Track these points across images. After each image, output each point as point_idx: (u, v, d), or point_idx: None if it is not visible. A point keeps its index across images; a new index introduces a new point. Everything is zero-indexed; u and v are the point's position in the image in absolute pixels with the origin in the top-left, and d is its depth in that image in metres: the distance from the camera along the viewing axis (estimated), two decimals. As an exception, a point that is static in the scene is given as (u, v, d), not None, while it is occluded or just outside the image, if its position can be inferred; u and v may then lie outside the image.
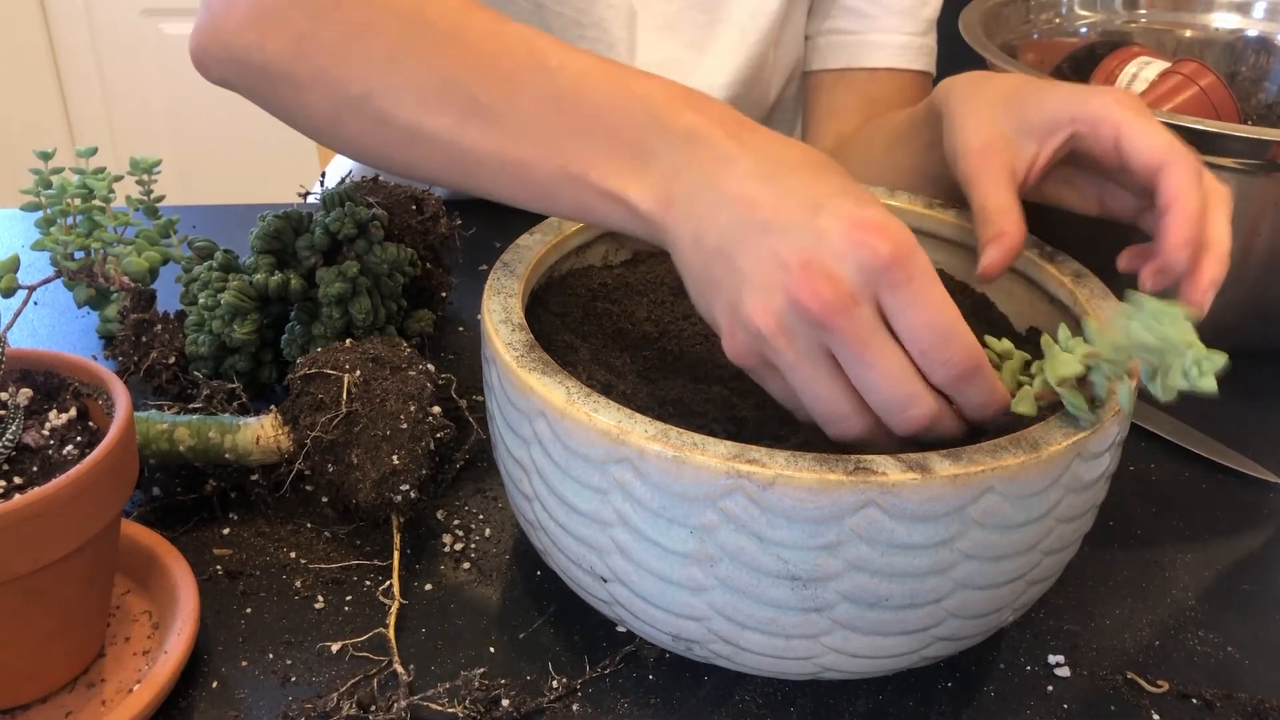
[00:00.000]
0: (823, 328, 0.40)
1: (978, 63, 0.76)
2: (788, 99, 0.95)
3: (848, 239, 0.40)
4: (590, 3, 0.83)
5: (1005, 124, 0.55)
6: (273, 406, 0.57)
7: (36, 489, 0.42)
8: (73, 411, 0.48)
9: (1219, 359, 0.39)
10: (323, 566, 0.55)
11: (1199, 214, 0.50)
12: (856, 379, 0.41)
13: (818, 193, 0.42)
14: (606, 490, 0.42)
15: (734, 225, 0.42)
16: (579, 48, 0.49)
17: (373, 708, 0.46)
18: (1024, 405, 0.43)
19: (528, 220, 0.56)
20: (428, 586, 0.54)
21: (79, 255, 0.70)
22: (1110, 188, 0.56)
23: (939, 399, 0.42)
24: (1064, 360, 0.43)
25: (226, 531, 0.57)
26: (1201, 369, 0.39)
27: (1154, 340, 0.39)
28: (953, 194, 0.58)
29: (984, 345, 0.47)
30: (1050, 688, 0.50)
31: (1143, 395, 0.43)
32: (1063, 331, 0.45)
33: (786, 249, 0.41)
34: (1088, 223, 0.58)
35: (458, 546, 0.57)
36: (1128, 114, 0.52)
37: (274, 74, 0.54)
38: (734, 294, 0.42)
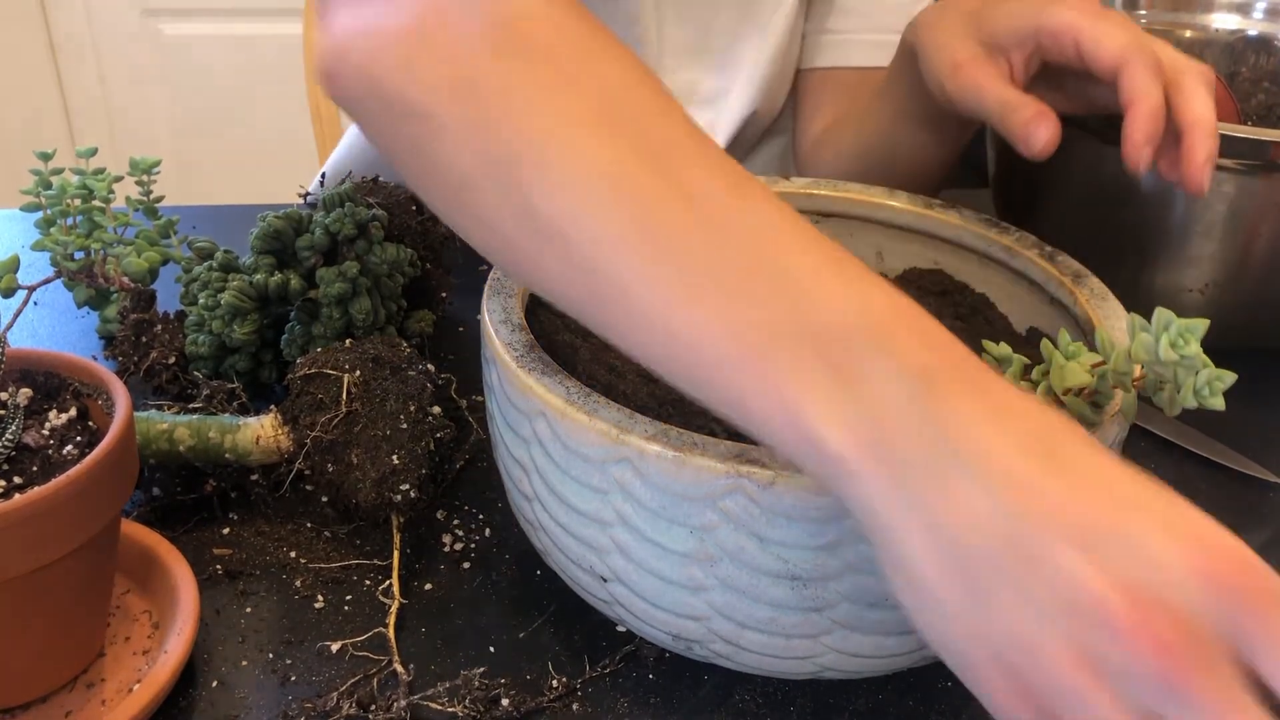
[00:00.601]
0: (1164, 682, 0.28)
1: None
2: (784, 126, 0.94)
3: (1189, 562, 0.29)
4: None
5: (976, 42, 0.58)
6: (273, 406, 0.57)
7: (36, 489, 0.42)
8: (73, 411, 0.48)
9: (1229, 378, 0.39)
10: (323, 566, 0.55)
11: (1157, 110, 0.51)
12: None
13: (1124, 489, 0.31)
14: (606, 490, 0.42)
15: (1003, 520, 0.30)
16: (787, 206, 0.37)
17: (373, 707, 0.46)
18: None
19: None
20: (428, 586, 0.54)
21: (79, 255, 0.70)
22: (1094, 85, 0.58)
23: None
24: (1071, 371, 0.43)
25: (226, 531, 0.57)
26: (1212, 388, 0.39)
27: (1168, 356, 0.39)
28: (937, 128, 0.60)
29: (982, 350, 0.47)
30: (1050, 688, 0.50)
31: (1142, 396, 0.43)
32: (1063, 337, 0.45)
33: (1096, 566, 0.29)
34: (1088, 222, 0.58)
35: (458, 546, 0.57)
36: (1084, 20, 0.54)
37: (413, 116, 0.39)
38: (1009, 618, 0.30)
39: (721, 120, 0.86)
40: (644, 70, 0.38)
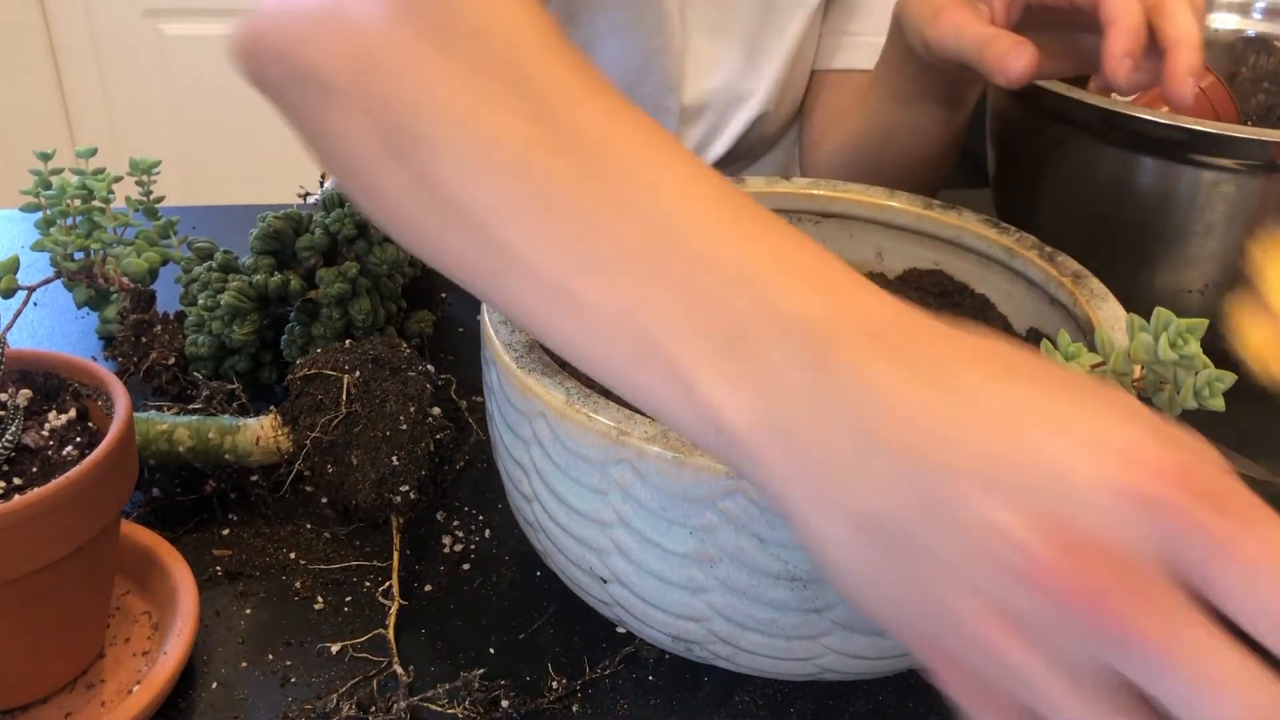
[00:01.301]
0: (1105, 636, 0.24)
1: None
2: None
3: (1114, 482, 0.25)
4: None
5: None
6: (272, 407, 0.57)
7: (36, 490, 0.42)
8: (72, 412, 0.48)
9: (1229, 379, 0.39)
10: (322, 567, 0.55)
11: (1137, 28, 0.52)
12: (1169, 698, 0.24)
13: (1036, 409, 0.27)
14: (606, 491, 0.42)
15: (906, 479, 0.27)
16: (699, 163, 0.34)
17: (372, 709, 0.46)
18: None
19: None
20: (428, 587, 0.54)
21: (79, 256, 0.70)
22: (1078, 38, 0.59)
23: None
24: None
25: (226, 532, 0.57)
26: (1212, 389, 0.39)
27: (1167, 357, 0.39)
28: (927, 106, 0.61)
29: None
30: (1050, 688, 0.50)
31: (1142, 397, 0.43)
32: (1063, 338, 0.45)
33: (1008, 505, 0.25)
34: (1088, 223, 0.58)
35: (458, 547, 0.57)
36: None
37: (325, 94, 0.37)
38: (932, 592, 0.27)
39: (733, 122, 0.86)
40: (561, 46, 0.36)
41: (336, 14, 0.37)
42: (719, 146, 0.88)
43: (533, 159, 0.33)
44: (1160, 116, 0.67)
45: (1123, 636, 0.24)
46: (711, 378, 0.29)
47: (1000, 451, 0.26)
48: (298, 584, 0.54)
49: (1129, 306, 0.48)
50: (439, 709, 0.47)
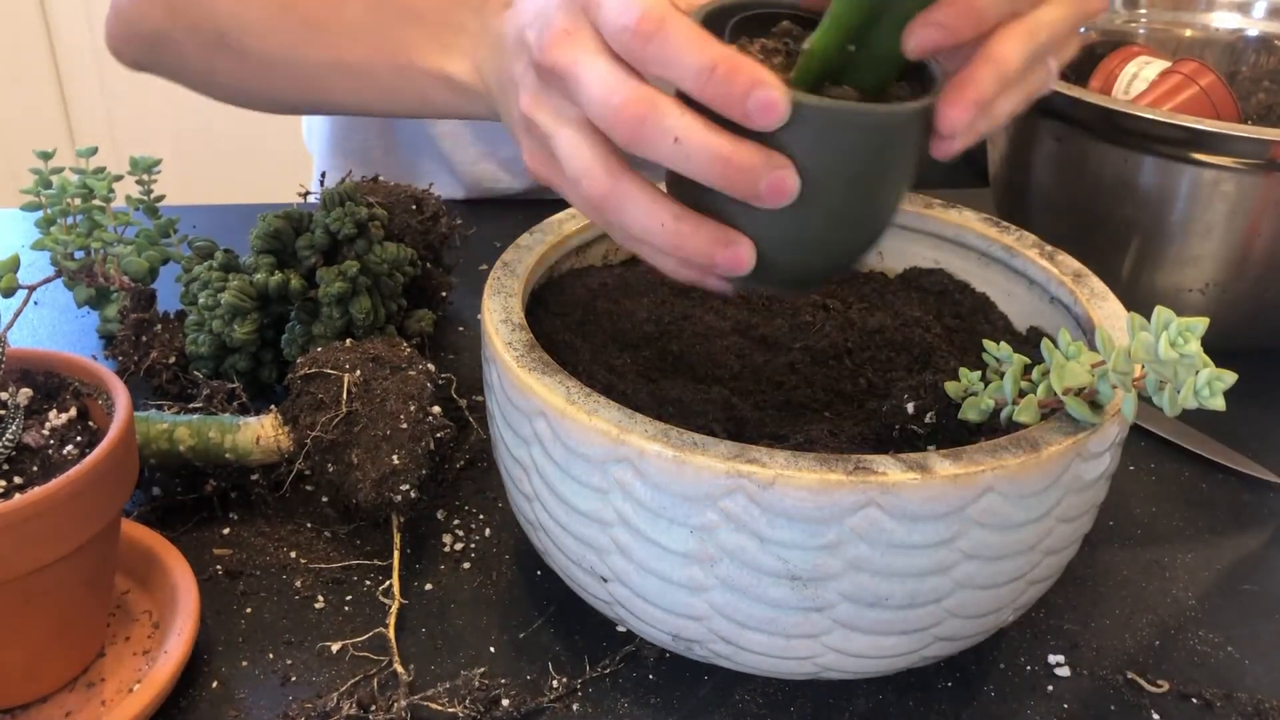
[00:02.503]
0: (548, 72, 0.39)
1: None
2: None
3: None
4: None
5: None
6: (273, 406, 0.57)
7: (36, 489, 0.42)
8: (73, 411, 0.48)
9: (1229, 378, 0.39)
10: (323, 566, 0.55)
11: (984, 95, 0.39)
12: (589, 110, 0.38)
13: None
14: (607, 490, 0.42)
15: (504, 41, 0.44)
16: None
17: (373, 708, 0.46)
18: (1026, 414, 0.43)
19: (528, 220, 0.56)
20: (428, 586, 0.54)
21: (79, 255, 0.70)
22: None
23: (660, 96, 0.37)
24: (1072, 371, 0.43)
25: (226, 531, 0.57)
26: (1213, 388, 0.39)
27: (1168, 356, 0.39)
28: None
29: (982, 351, 0.47)
30: (1050, 687, 0.50)
31: (1142, 396, 0.43)
32: (1064, 336, 0.45)
33: (528, 27, 0.40)
34: (1088, 222, 0.58)
35: (458, 546, 0.57)
36: None
37: (159, 38, 0.59)
38: (515, 103, 0.42)
39: None
40: None
41: None
42: None
43: (291, 3, 0.54)
44: (1161, 115, 0.67)
45: (559, 76, 0.38)
46: (453, 63, 0.49)
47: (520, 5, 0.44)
48: (298, 583, 0.54)
49: (1129, 305, 0.48)
50: (439, 708, 0.47)
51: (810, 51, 0.39)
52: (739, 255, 0.39)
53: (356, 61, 0.52)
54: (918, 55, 0.38)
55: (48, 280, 0.66)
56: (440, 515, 0.59)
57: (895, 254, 0.61)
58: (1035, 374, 0.45)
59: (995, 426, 0.45)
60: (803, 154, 0.38)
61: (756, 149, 0.37)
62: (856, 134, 0.38)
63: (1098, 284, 0.52)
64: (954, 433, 0.47)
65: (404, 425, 0.54)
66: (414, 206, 0.73)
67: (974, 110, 0.38)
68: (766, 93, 0.35)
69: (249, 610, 0.53)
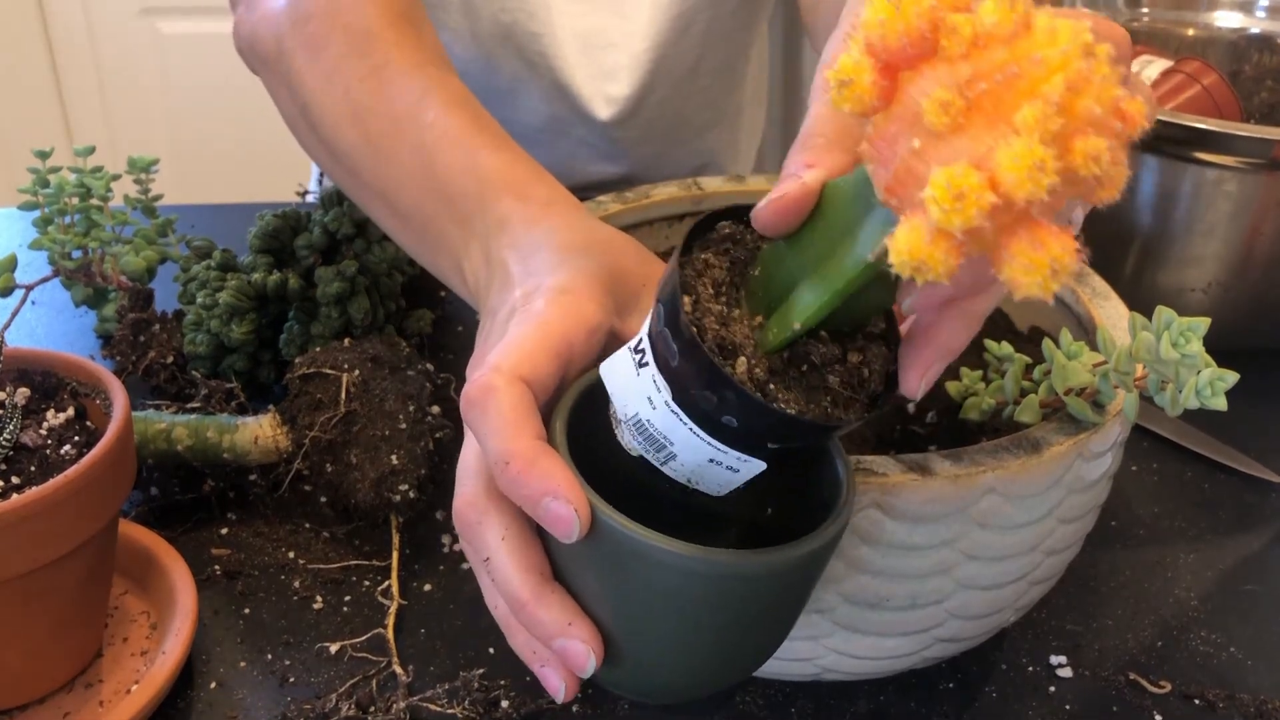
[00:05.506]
0: (470, 550, 0.38)
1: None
2: (708, 69, 0.91)
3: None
4: None
5: None
6: (271, 406, 0.57)
7: (34, 489, 0.42)
8: (70, 411, 0.48)
9: (1231, 378, 0.39)
10: (321, 567, 0.55)
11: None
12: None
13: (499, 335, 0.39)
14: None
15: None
16: (468, 101, 0.50)
17: (372, 708, 0.46)
18: (1028, 414, 0.43)
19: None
20: (427, 586, 0.54)
21: (77, 254, 0.69)
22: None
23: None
24: (1073, 370, 0.43)
25: (225, 532, 0.57)
26: (1214, 388, 0.39)
27: (1169, 355, 0.39)
28: None
29: (984, 350, 0.47)
30: (1052, 688, 0.50)
31: (1144, 396, 0.43)
32: (1065, 336, 0.44)
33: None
34: (1088, 222, 0.58)
35: (457, 547, 0.57)
36: None
37: (266, 69, 0.58)
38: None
39: (621, 61, 0.84)
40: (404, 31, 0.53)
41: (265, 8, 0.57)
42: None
43: (361, 112, 0.51)
44: (1163, 115, 0.67)
45: (472, 553, 0.37)
46: (467, 260, 0.46)
47: None
48: (296, 583, 0.54)
49: (1131, 305, 0.48)
50: (438, 709, 0.47)
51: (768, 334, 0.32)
52: (577, 652, 0.36)
53: (401, 205, 0.50)
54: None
55: (45, 280, 0.66)
56: (439, 515, 0.59)
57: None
58: (1036, 374, 0.45)
59: (996, 426, 0.45)
60: (620, 580, 0.33)
61: (557, 607, 0.35)
62: (681, 579, 0.32)
63: (1099, 283, 0.52)
64: (955, 433, 0.47)
65: (403, 425, 0.54)
66: (413, 205, 0.73)
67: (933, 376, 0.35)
68: (557, 506, 0.33)
69: (247, 611, 0.52)
